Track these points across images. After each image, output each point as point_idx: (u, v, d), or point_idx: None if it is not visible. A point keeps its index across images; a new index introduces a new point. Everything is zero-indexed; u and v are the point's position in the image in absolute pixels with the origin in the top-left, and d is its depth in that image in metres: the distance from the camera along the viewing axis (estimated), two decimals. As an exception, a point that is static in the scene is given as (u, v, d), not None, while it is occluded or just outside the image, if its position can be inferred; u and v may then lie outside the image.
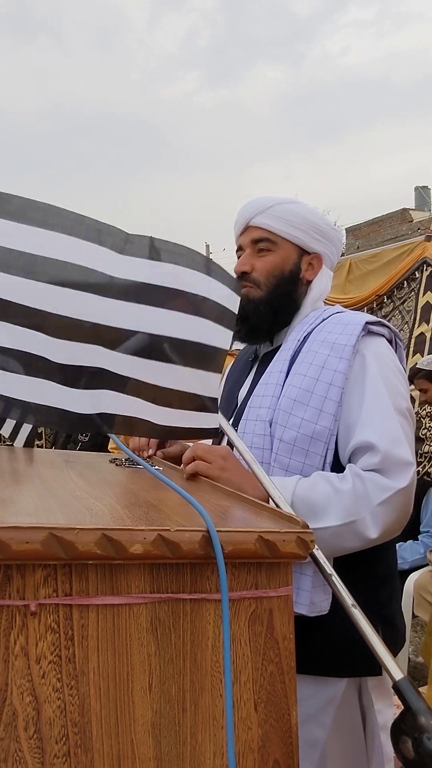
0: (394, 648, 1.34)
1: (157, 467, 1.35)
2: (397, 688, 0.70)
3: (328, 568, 0.82)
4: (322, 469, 1.25)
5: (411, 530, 3.40)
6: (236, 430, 1.36)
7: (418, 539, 3.36)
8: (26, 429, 1.36)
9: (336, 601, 1.22)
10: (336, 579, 0.81)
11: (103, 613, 0.69)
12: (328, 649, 1.24)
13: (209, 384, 1.04)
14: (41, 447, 7.46)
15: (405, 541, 3.36)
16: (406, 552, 3.26)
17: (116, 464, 1.27)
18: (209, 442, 1.57)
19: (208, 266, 1.01)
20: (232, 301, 1.07)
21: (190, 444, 1.32)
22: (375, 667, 1.27)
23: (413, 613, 3.02)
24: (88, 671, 0.69)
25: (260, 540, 0.73)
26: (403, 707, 0.69)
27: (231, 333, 1.09)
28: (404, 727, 0.68)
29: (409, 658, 3.47)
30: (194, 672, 0.74)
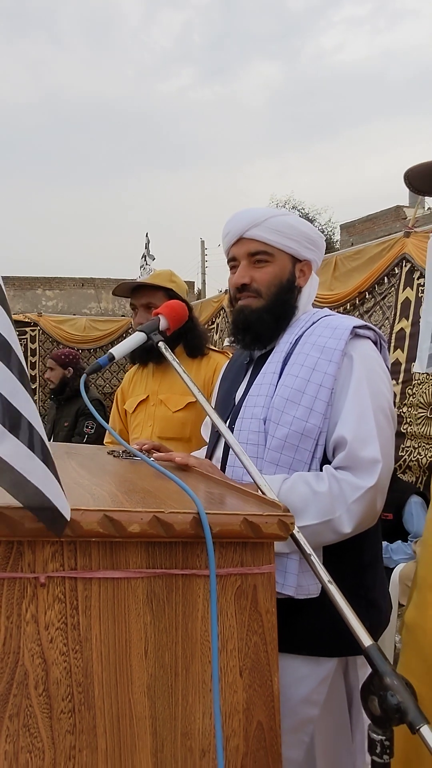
0: (379, 628, 1.43)
1: (152, 459, 1.43)
2: (366, 653, 0.78)
3: (308, 548, 0.90)
4: (310, 464, 1.33)
5: (395, 532, 3.47)
6: (233, 428, 1.45)
7: (407, 540, 3.46)
8: None
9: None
10: (314, 558, 0.89)
11: (105, 585, 0.78)
12: (319, 630, 1.32)
13: None
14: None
15: (392, 542, 3.45)
16: (395, 553, 3.36)
17: (114, 456, 1.35)
18: (202, 452, 1.66)
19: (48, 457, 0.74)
20: (64, 505, 0.72)
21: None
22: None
23: (399, 602, 3.11)
24: (91, 638, 0.77)
25: (245, 522, 0.82)
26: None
27: None
28: (372, 688, 0.76)
29: (396, 645, 3.57)
30: (186, 641, 0.82)
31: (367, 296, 4.36)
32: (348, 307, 4.49)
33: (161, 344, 1.31)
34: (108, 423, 2.58)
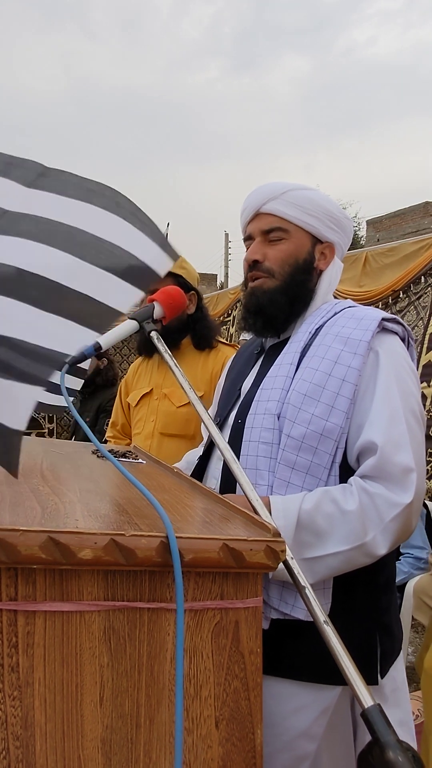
0: (390, 657, 1.29)
1: (140, 460, 1.30)
2: (366, 716, 0.64)
3: (302, 581, 0.76)
4: (330, 468, 1.19)
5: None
6: (243, 425, 1.31)
7: (399, 558, 3.25)
8: None
9: (335, 606, 1.17)
10: (309, 592, 0.75)
11: (52, 620, 0.65)
12: (324, 654, 1.19)
13: (71, 339, 0.89)
14: (56, 435, 7.31)
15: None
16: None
17: (97, 456, 1.22)
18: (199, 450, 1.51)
19: (136, 215, 0.91)
20: (157, 262, 0.97)
21: None
22: (371, 676, 1.22)
23: (412, 616, 2.96)
24: (33, 682, 0.64)
25: (225, 548, 0.68)
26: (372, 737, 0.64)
27: (139, 294, 0.96)
28: (371, 759, 0.62)
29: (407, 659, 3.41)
30: (150, 686, 0.69)
31: (401, 295, 4.19)
32: (380, 306, 4.33)
33: (153, 334, 1.17)
34: (111, 416, 2.46)
